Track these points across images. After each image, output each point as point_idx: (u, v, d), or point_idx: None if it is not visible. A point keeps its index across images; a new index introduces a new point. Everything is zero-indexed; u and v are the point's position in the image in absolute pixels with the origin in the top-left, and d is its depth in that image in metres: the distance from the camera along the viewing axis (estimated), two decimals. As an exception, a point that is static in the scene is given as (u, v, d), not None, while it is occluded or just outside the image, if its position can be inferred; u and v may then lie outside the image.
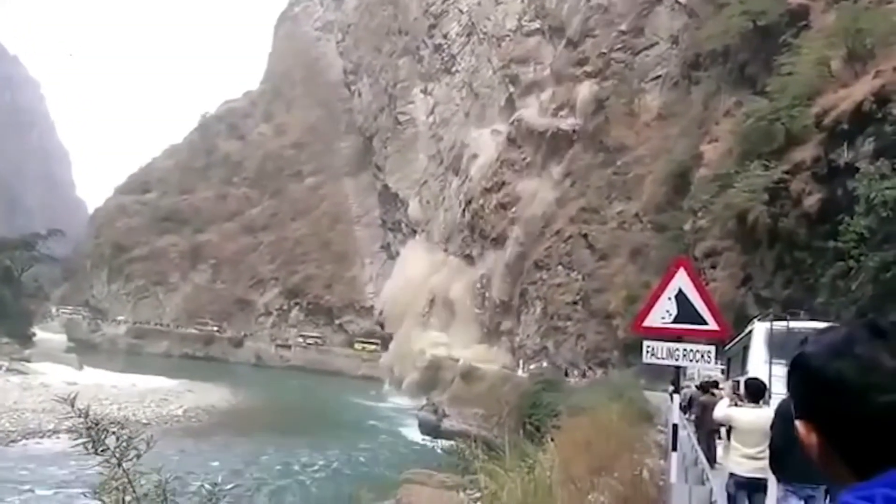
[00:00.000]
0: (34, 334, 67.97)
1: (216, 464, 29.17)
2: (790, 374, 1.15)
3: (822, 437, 1.08)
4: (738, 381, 10.03)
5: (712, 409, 13.90)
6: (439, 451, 33.22)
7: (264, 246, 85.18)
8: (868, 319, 1.10)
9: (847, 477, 1.04)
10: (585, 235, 48.00)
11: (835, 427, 1.06)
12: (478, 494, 7.67)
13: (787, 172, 21.19)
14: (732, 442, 6.49)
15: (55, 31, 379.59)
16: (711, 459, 10.76)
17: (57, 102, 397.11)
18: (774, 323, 12.64)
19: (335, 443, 38.53)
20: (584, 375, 38.65)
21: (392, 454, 36.09)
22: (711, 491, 5.91)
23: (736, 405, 6.99)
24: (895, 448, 1.01)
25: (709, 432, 12.11)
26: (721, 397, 15.03)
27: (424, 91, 75.29)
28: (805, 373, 1.11)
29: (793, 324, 11.87)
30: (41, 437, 35.56)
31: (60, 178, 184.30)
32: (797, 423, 1.11)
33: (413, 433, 43.37)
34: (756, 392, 6.47)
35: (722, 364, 18.37)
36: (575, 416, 11.12)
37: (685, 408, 16.86)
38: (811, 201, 19.83)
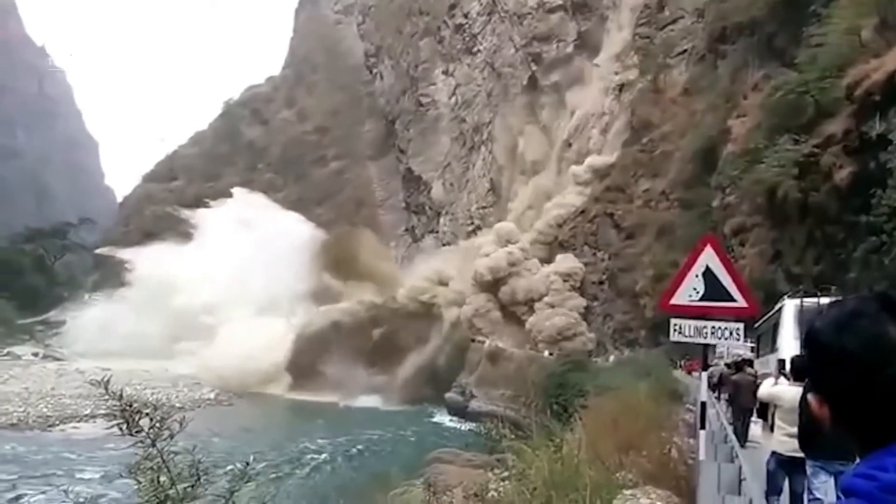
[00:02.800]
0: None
1: (246, 446, 29.77)
2: (804, 349, 1.16)
3: (831, 411, 1.09)
4: (782, 360, 9.93)
5: (745, 388, 13.85)
6: (467, 431, 33.54)
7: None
8: (878, 292, 1.11)
9: (857, 449, 1.06)
10: (611, 214, 47.62)
11: (842, 400, 1.07)
12: (505, 473, 7.72)
13: (817, 146, 20.78)
14: (777, 421, 6.44)
15: (79, 21, 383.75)
16: (743, 436, 10.71)
17: (83, 91, 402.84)
18: (805, 300, 12.47)
19: (364, 423, 39.09)
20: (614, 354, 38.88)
21: (420, 435, 36.43)
22: (740, 469, 5.87)
23: (778, 384, 6.94)
24: None
25: (742, 410, 12.04)
26: (752, 374, 14.94)
27: (446, 72, 74.84)
28: (813, 347, 1.12)
29: (824, 300, 11.69)
30: (78, 422, 36.55)
31: (89, 166, 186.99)
32: (809, 396, 1.12)
33: (441, 414, 43.81)
34: (800, 370, 6.38)
35: (752, 342, 18.21)
36: (602, 396, 11.10)
37: (715, 386, 16.76)
38: (842, 175, 19.43)
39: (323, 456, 30.72)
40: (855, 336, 1.06)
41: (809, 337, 1.13)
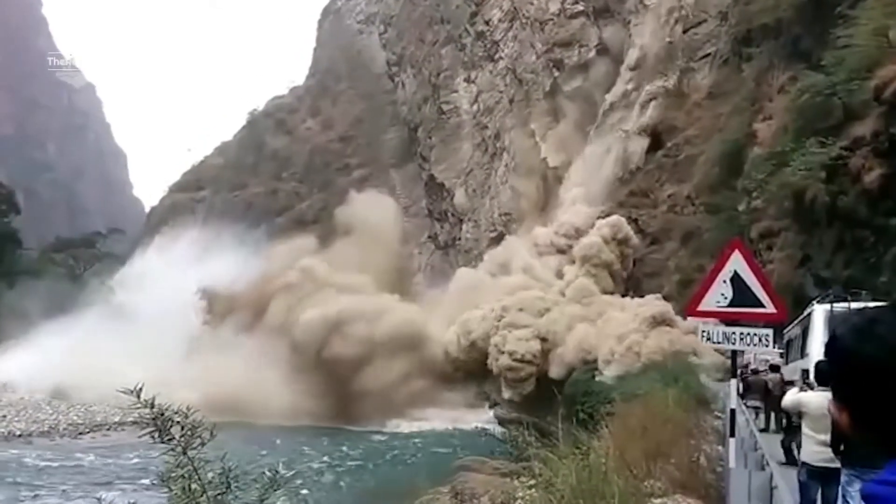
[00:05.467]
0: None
1: (271, 452, 29.98)
2: (826, 355, 1.19)
3: (851, 417, 1.10)
4: (806, 370, 9.76)
5: (774, 389, 13.78)
6: (492, 438, 33.33)
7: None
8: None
9: (880, 457, 1.06)
10: (636, 220, 47.27)
11: (862, 407, 1.09)
12: (532, 482, 7.70)
13: (845, 148, 20.49)
14: (804, 430, 6.32)
15: (106, 34, 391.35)
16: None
17: (111, 104, 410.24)
18: (835, 304, 12.28)
19: (389, 429, 39.44)
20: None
21: (445, 441, 36.39)
22: (772, 476, 5.80)
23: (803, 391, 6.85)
24: None
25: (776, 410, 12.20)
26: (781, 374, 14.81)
27: (468, 79, 74.98)
28: (833, 354, 1.14)
29: (854, 304, 11.50)
30: (108, 430, 37.14)
31: (117, 178, 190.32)
32: (830, 403, 1.14)
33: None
34: (826, 374, 6.27)
35: (780, 348, 17.97)
36: (629, 403, 11.02)
37: (743, 394, 16.59)
38: (872, 177, 19.14)
39: (348, 464, 30.85)
40: (875, 343, 1.06)
41: (830, 344, 1.15)
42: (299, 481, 21.73)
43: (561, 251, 50.54)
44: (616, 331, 35.29)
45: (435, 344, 45.80)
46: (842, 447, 5.17)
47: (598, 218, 48.29)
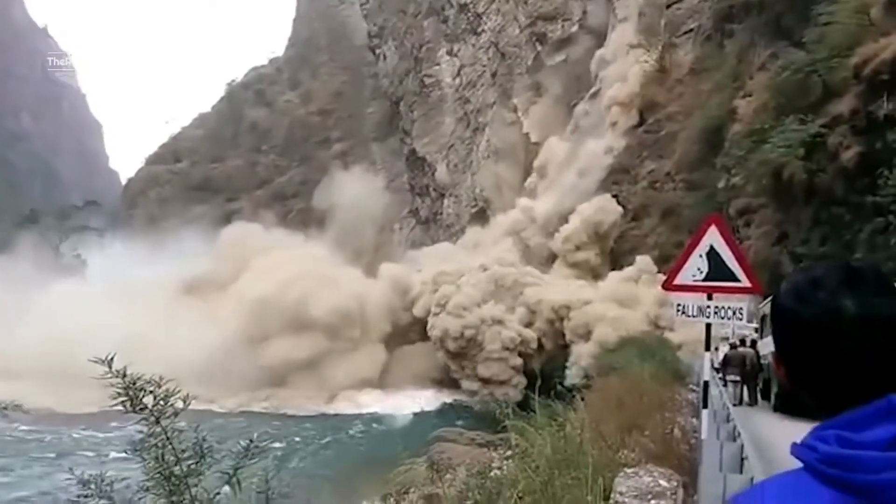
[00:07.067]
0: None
1: (252, 427, 29.86)
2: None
3: (787, 373, 1.13)
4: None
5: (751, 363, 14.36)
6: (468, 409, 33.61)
7: (294, 213, 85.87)
8: (844, 263, 1.11)
9: (814, 410, 1.09)
10: (616, 196, 47.42)
11: (797, 366, 1.10)
12: (509, 452, 7.77)
13: (824, 126, 20.62)
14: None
15: (80, 1, 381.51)
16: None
17: (87, 74, 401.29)
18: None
19: (366, 402, 39.43)
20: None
21: (426, 416, 36.57)
22: (742, 447, 5.89)
23: None
24: (855, 390, 1.03)
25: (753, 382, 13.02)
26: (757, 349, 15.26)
27: (450, 52, 74.28)
28: (774, 310, 1.15)
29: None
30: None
31: (93, 149, 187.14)
32: (771, 355, 1.16)
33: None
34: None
35: (756, 323, 18.21)
36: (606, 376, 11.13)
37: (719, 369, 16.83)
38: (849, 155, 19.31)
39: (327, 439, 30.86)
40: (812, 307, 1.07)
41: (773, 300, 1.15)
42: (277, 452, 21.76)
43: (543, 233, 50.74)
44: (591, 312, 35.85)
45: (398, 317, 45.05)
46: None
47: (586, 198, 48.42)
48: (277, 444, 24.30)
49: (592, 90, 58.50)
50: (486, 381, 37.93)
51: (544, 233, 50.92)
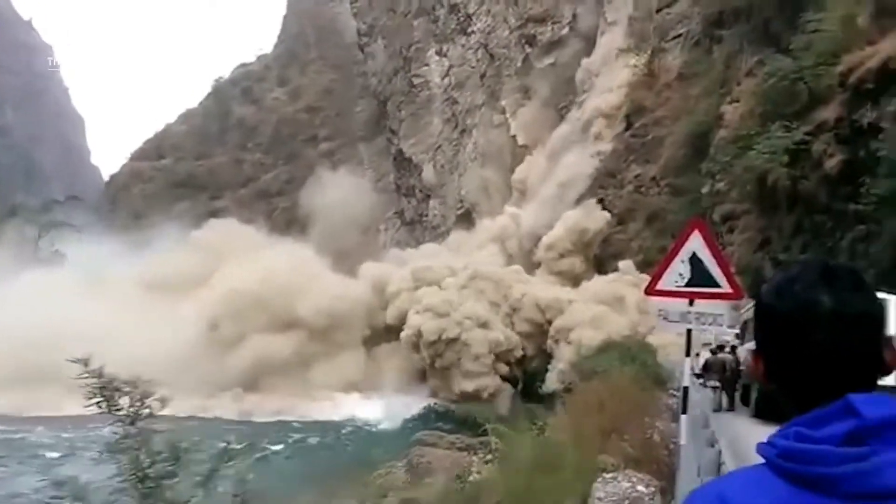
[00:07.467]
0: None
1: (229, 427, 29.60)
2: None
3: (765, 368, 1.17)
4: None
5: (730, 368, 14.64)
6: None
7: (279, 212, 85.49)
8: (820, 260, 1.17)
9: (790, 409, 1.13)
10: (602, 200, 47.61)
11: (774, 360, 1.15)
12: (489, 456, 7.76)
13: (808, 133, 20.79)
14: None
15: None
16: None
17: (70, 68, 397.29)
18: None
19: (346, 406, 38.85)
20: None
21: (403, 417, 36.28)
22: (720, 453, 5.90)
23: None
24: (827, 386, 1.08)
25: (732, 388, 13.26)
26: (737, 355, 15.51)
27: (439, 53, 74.28)
28: (756, 307, 1.20)
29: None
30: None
31: (76, 144, 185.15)
32: (749, 353, 1.20)
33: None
34: None
35: (737, 329, 18.31)
36: (587, 381, 11.14)
37: (700, 374, 16.90)
38: (832, 163, 19.47)
39: (305, 442, 30.54)
40: (789, 300, 1.12)
41: (755, 297, 1.22)
42: (255, 455, 21.47)
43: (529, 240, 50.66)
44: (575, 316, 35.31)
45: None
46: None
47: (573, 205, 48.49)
48: (253, 447, 23.95)
49: (578, 99, 58.64)
50: (469, 397, 35.65)
51: (528, 242, 50.82)
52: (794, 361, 1.10)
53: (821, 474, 0.98)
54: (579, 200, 49.09)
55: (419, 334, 37.89)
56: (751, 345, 15.46)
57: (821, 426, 1.03)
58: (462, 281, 40.33)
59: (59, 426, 28.56)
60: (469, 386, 36.16)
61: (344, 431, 33.03)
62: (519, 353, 37.95)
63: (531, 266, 47.77)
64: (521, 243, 51.94)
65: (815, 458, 0.99)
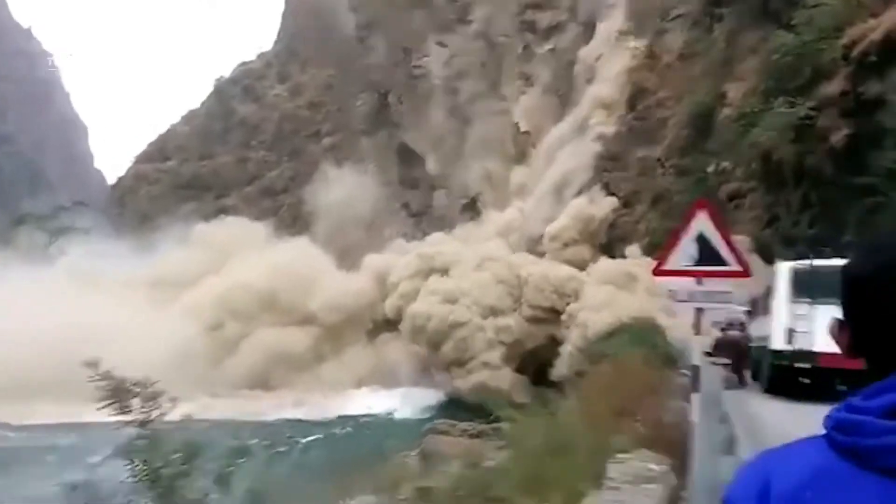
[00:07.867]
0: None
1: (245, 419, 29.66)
2: None
3: (851, 340, 1.14)
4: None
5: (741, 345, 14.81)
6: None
7: (285, 208, 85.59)
8: None
9: (870, 376, 1.10)
10: (607, 184, 47.44)
11: (860, 325, 1.12)
12: (501, 442, 7.78)
13: (813, 108, 20.63)
14: None
15: (67, 3, 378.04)
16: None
17: (71, 73, 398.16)
18: (798, 262, 12.50)
19: (360, 398, 38.98)
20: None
21: (415, 409, 36.24)
22: (733, 429, 5.90)
23: None
24: None
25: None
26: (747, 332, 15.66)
27: (439, 43, 74.01)
28: (843, 276, 1.18)
29: (816, 262, 11.70)
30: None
31: (80, 150, 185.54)
32: (832, 325, 1.18)
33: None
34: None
35: (747, 307, 18.26)
36: (598, 363, 11.14)
37: (710, 352, 16.89)
38: (838, 137, 19.34)
39: (318, 436, 30.54)
40: (872, 262, 1.12)
41: (843, 268, 1.19)
42: (268, 451, 21.47)
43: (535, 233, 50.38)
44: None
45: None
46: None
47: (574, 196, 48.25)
48: (266, 444, 23.93)
49: (579, 86, 58.31)
50: (480, 385, 34.36)
51: (533, 233, 50.61)
52: (881, 330, 1.08)
53: (858, 445, 0.97)
54: (583, 189, 48.87)
55: (428, 318, 37.03)
56: (760, 323, 15.43)
57: (875, 397, 1.01)
58: (472, 265, 39.48)
59: (72, 430, 28.69)
60: (480, 375, 35.69)
61: (356, 425, 33.12)
62: (530, 341, 37.71)
63: (537, 257, 47.62)
64: (526, 235, 51.72)
65: (855, 428, 0.98)
